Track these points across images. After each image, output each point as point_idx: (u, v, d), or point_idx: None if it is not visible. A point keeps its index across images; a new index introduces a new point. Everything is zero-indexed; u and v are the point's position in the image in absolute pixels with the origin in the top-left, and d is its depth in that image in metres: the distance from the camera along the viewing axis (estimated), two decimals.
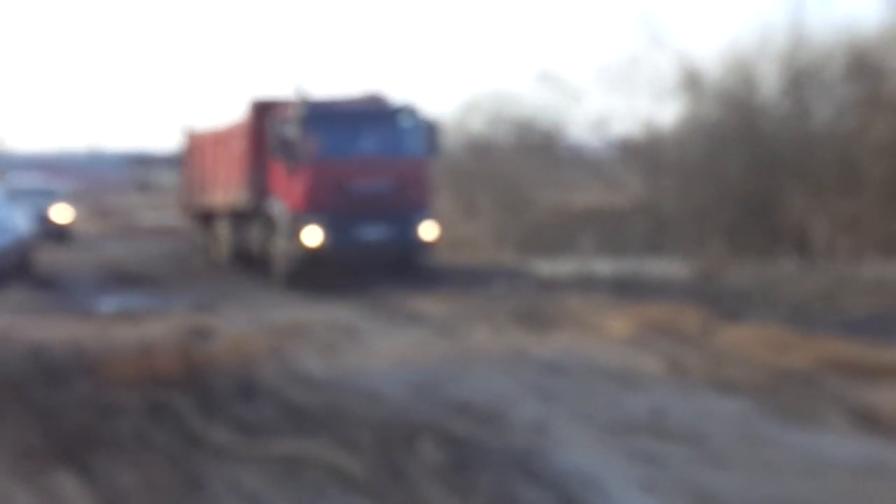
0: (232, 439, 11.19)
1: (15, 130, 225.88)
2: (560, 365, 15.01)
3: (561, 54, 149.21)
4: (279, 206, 25.42)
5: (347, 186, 24.63)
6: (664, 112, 44.22)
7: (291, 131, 24.78)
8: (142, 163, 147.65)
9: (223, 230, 30.14)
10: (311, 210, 24.40)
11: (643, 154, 44.83)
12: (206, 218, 32.08)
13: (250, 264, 27.89)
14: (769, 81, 40.32)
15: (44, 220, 37.61)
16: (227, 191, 29.12)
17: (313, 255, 24.49)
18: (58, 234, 37.74)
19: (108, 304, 23.30)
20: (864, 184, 35.92)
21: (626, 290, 23.95)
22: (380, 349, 16.34)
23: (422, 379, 14.17)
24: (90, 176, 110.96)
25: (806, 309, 20.54)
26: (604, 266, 31.02)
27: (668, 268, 31.32)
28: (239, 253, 28.88)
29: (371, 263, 25.25)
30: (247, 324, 18.55)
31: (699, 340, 16.66)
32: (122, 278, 27.97)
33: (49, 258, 31.60)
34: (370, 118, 26.27)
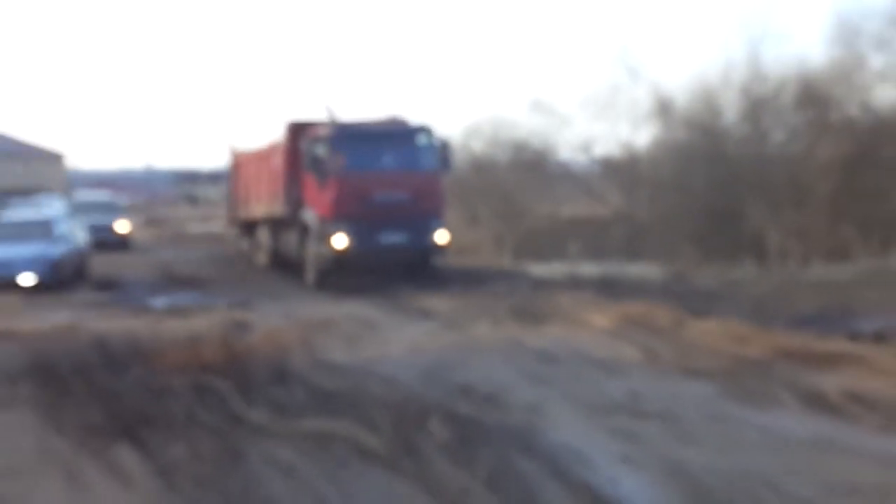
0: (268, 418, 11.16)
1: (80, 150, 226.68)
2: (551, 354, 14.93)
3: (551, 85, 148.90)
4: (311, 215, 25.18)
5: (370, 197, 24.34)
6: (640, 135, 44.25)
7: (322, 149, 24.60)
8: (189, 179, 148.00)
9: (263, 237, 29.89)
10: (339, 218, 24.13)
11: (622, 171, 44.78)
12: (249, 227, 31.75)
13: (287, 267, 27.61)
14: (730, 108, 40.29)
15: (109, 231, 37.55)
16: (266, 202, 28.97)
17: (340, 257, 24.26)
18: (120, 243, 37.69)
19: (160, 301, 23.23)
20: (812, 198, 35.89)
21: (608, 289, 23.88)
22: (395, 340, 16.27)
23: (431, 366, 14.10)
24: (145, 191, 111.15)
25: (763, 306, 20.45)
26: (589, 268, 30.92)
27: (644, 270, 31.21)
28: (277, 257, 28.57)
29: (391, 265, 25.04)
30: (280, 318, 18.47)
31: (671, 333, 16.59)
32: (173, 279, 27.87)
33: (110, 262, 31.59)
34: (391, 138, 26.01)
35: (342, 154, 24.52)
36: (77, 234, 29.02)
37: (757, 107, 39.29)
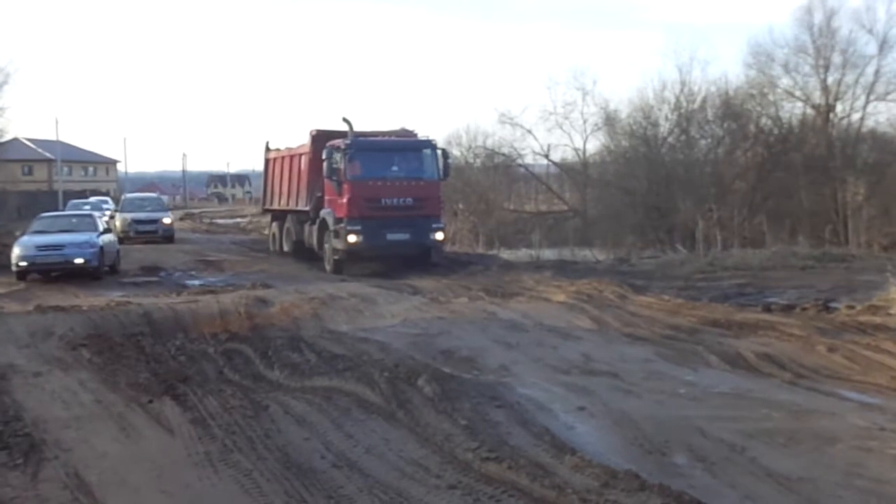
0: (284, 377, 11.13)
1: (127, 155, 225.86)
2: (518, 323, 14.87)
3: (517, 98, 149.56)
4: (329, 213, 24.78)
5: (380, 201, 23.92)
6: (590, 143, 44.30)
7: (339, 159, 24.11)
8: (218, 180, 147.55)
9: (290, 228, 29.21)
10: (352, 218, 23.78)
11: (575, 173, 44.85)
12: (279, 216, 30.84)
13: (303, 253, 27.23)
14: (665, 120, 40.43)
15: (159, 223, 37.05)
16: (293, 198, 28.45)
17: (353, 251, 23.89)
18: (167, 235, 37.04)
19: (194, 281, 23.15)
20: (732, 195, 36.06)
21: (564, 270, 23.89)
22: (389, 313, 16.17)
23: (419, 334, 14.04)
24: (181, 189, 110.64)
25: (691, 284, 20.51)
26: (548, 254, 31.01)
27: (594, 255, 31.26)
28: (300, 246, 27.95)
29: (396, 258, 24.53)
30: (294, 295, 18.36)
31: (616, 306, 16.56)
32: (205, 263, 27.70)
33: (152, 249, 31.37)
34: (399, 149, 25.61)
35: (356, 163, 24.16)
36: (113, 228, 29.48)
37: (686, 119, 39.42)
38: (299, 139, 28.61)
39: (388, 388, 9.90)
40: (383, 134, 26.81)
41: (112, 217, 36.31)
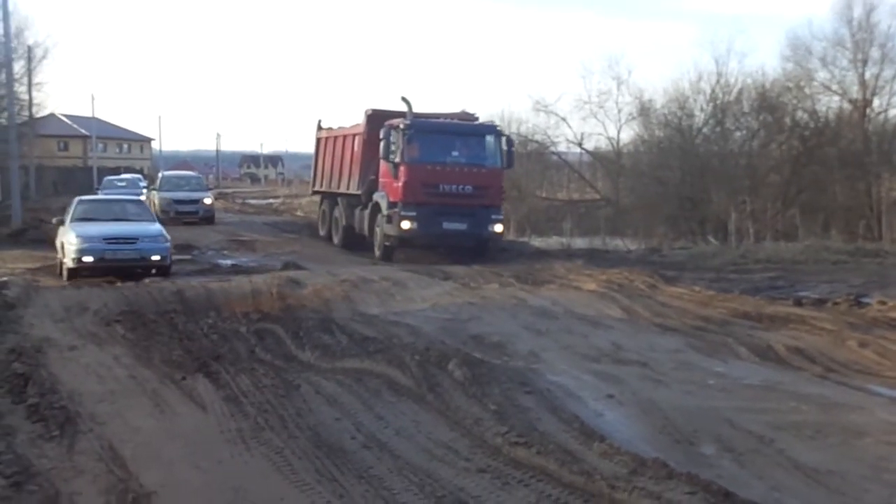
0: (315, 357, 11.22)
1: (161, 133, 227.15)
2: (548, 310, 14.88)
3: (552, 87, 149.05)
4: (383, 197, 23.62)
5: (437, 187, 22.76)
6: (624, 132, 44.14)
7: (396, 139, 23.04)
8: (251, 160, 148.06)
9: (339, 215, 27.65)
10: (407, 203, 22.67)
11: (609, 162, 44.71)
12: (329, 198, 29.29)
13: (358, 242, 25.77)
14: (700, 111, 40.20)
15: (199, 203, 35.68)
16: (344, 181, 27.08)
17: (406, 238, 22.92)
18: (208, 215, 36.41)
19: (227, 261, 23.27)
20: (765, 188, 35.85)
21: (595, 259, 23.89)
22: (420, 297, 16.20)
23: (449, 318, 14.10)
24: (214, 169, 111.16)
25: (723, 275, 20.46)
26: (579, 242, 30.95)
27: (625, 245, 31.20)
28: (350, 232, 26.59)
29: (451, 248, 23.55)
30: (326, 277, 18.44)
31: (647, 296, 16.54)
32: (237, 243, 27.88)
33: (186, 228, 31.46)
34: (461, 133, 24.38)
35: (415, 145, 23.11)
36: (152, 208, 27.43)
37: (721, 111, 39.18)
38: (338, 120, 27.85)
39: (418, 371, 9.97)
40: (443, 116, 25.66)
41: (148, 197, 36.04)
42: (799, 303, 16.03)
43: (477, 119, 26.02)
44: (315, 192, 31.59)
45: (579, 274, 19.58)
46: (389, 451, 7.56)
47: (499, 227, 23.81)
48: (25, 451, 7.59)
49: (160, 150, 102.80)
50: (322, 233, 29.68)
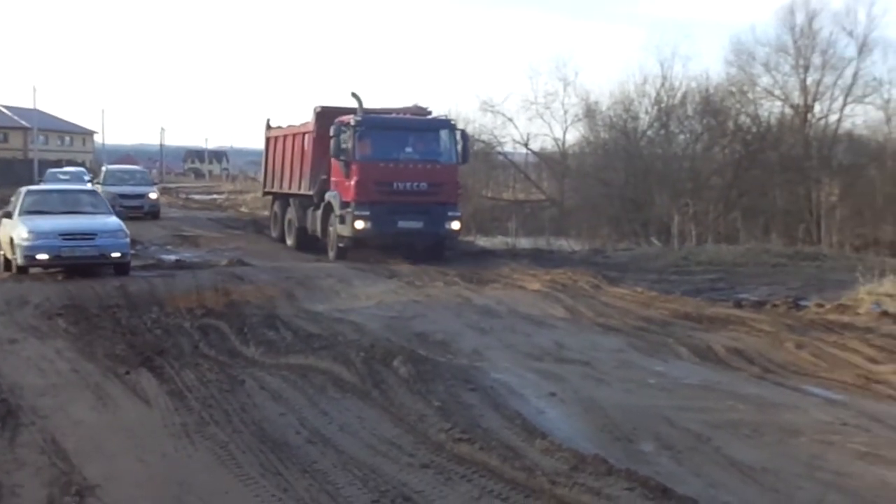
0: (260, 353, 11.25)
1: (103, 127, 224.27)
2: (492, 310, 15.03)
3: (498, 87, 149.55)
4: (335, 196, 22.72)
5: (391, 184, 21.96)
6: (570, 133, 44.41)
7: (347, 137, 22.10)
8: (196, 155, 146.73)
9: (292, 217, 26.36)
10: (360, 202, 21.79)
11: (554, 163, 44.97)
12: (280, 199, 28.01)
13: (312, 244, 24.55)
14: (645, 114, 40.65)
15: (145, 199, 35.20)
16: (295, 181, 25.96)
17: (360, 238, 21.97)
18: (153, 210, 35.85)
19: (170, 256, 23.07)
20: (708, 191, 36.36)
21: (539, 259, 24.04)
22: (365, 295, 16.26)
23: (394, 316, 14.19)
24: (158, 163, 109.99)
25: (664, 277, 20.73)
26: (524, 242, 31.10)
27: (569, 245, 31.43)
28: (303, 234, 25.36)
29: (408, 247, 22.45)
30: (271, 273, 18.44)
31: (590, 296, 16.73)
32: (181, 238, 27.72)
33: (129, 224, 31.08)
34: (414, 128, 23.55)
35: (366, 142, 22.24)
36: None
37: (666, 114, 39.66)
38: (287, 118, 27.38)
39: (363, 368, 10.05)
40: (395, 111, 24.76)
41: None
42: (739, 305, 16.29)
43: (430, 113, 25.24)
44: (266, 193, 30.35)
45: (523, 274, 19.73)
46: (334, 447, 7.63)
47: (456, 225, 22.96)
48: None
49: (103, 144, 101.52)
50: (274, 234, 28.44)
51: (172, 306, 14.55)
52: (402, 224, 22.08)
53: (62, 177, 44.72)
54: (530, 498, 6.45)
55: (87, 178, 45.77)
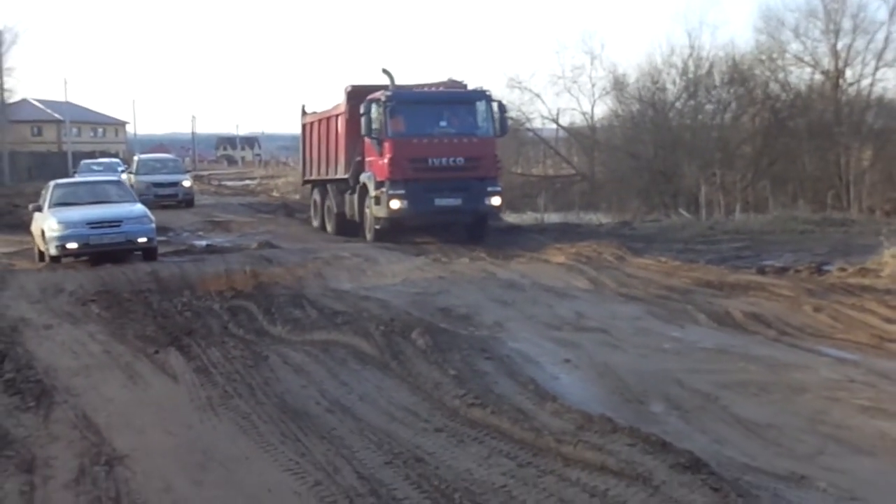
0: (285, 331, 11.59)
1: (136, 117, 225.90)
2: (516, 283, 15.27)
3: (526, 63, 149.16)
4: (370, 177, 22.08)
5: (426, 161, 21.24)
6: (598, 107, 44.45)
7: (377, 113, 21.40)
8: (227, 142, 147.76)
9: (331, 203, 25.48)
10: (395, 180, 21.12)
11: (583, 138, 45.07)
12: (319, 186, 27.19)
13: (352, 230, 23.67)
14: (673, 85, 40.62)
15: (179, 186, 35.51)
16: (331, 166, 25.26)
17: (396, 218, 21.34)
18: (187, 198, 35.63)
19: (202, 241, 23.50)
20: (737, 160, 36.34)
21: (567, 233, 24.21)
22: (391, 272, 16.58)
23: (418, 292, 14.48)
24: (190, 151, 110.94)
25: (690, 247, 20.86)
26: (554, 217, 31.31)
27: (598, 219, 31.57)
28: (342, 219, 24.57)
29: (446, 226, 22.13)
30: (299, 255, 18.78)
31: (614, 267, 16.91)
32: (213, 224, 28.18)
33: (162, 210, 31.54)
34: (448, 102, 22.83)
35: (399, 118, 21.59)
36: None
37: (694, 84, 39.60)
38: (321, 103, 26.77)
39: (383, 341, 10.36)
40: (429, 87, 23.97)
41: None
42: (762, 271, 16.42)
43: (465, 87, 23.98)
44: (306, 182, 29.61)
45: (549, 247, 19.95)
46: (352, 415, 7.97)
47: (496, 200, 22.11)
48: (2, 421, 7.99)
49: (135, 134, 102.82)
50: (315, 223, 27.50)
51: (202, 289, 14.92)
52: (439, 202, 21.35)
53: (96, 168, 45.37)
54: (537, 456, 6.74)
55: (120, 168, 46.39)
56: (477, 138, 22.05)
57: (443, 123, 22.12)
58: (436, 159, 21.40)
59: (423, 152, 21.38)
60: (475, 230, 22.47)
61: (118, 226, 18.64)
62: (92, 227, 18.37)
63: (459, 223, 22.36)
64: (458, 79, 24.22)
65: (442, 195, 21.32)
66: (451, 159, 21.48)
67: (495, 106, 22.48)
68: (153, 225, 19.35)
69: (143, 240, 18.78)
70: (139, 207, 19.70)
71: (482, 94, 22.68)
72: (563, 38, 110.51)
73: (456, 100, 23.04)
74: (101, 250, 18.35)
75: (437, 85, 24.08)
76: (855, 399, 8.17)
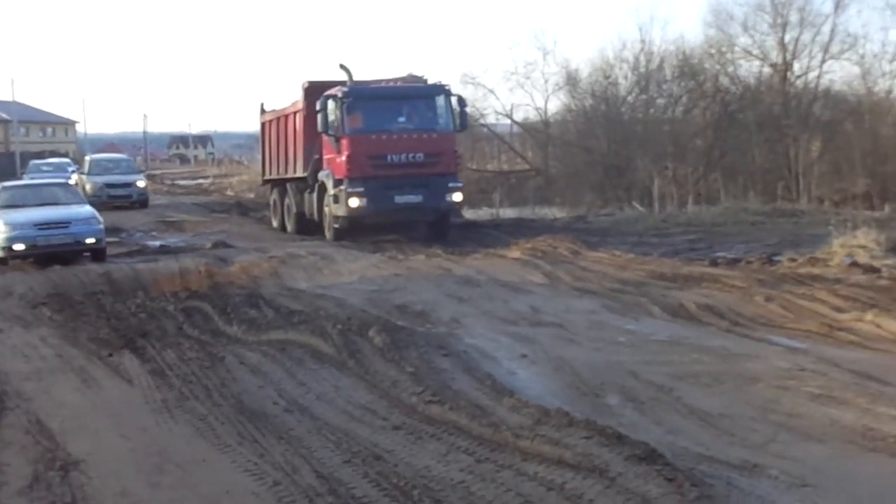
0: (241, 331, 11.53)
1: (85, 116, 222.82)
2: (472, 279, 15.29)
3: (480, 59, 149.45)
4: (328, 175, 21.75)
5: (385, 157, 20.91)
6: (551, 102, 44.57)
7: (335, 109, 21.04)
8: (180, 141, 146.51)
9: (290, 202, 25.17)
10: (353, 177, 20.78)
11: (537, 133, 45.19)
12: (278, 186, 26.65)
13: (313, 229, 23.40)
14: (624, 80, 40.88)
15: (133, 186, 34.72)
16: (290, 165, 24.89)
17: (356, 216, 20.99)
18: (142, 198, 34.87)
19: (155, 241, 23.31)
20: (688, 153, 36.67)
21: (522, 228, 24.30)
22: (347, 270, 16.54)
23: (375, 289, 14.46)
24: (142, 151, 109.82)
25: (644, 240, 21.05)
26: (509, 213, 31.42)
27: (553, 214, 31.70)
28: (301, 219, 24.24)
29: (407, 223, 21.79)
30: (254, 254, 18.68)
31: (569, 261, 17.00)
32: (166, 224, 27.97)
33: (115, 210, 31.20)
34: (407, 97, 22.39)
35: (357, 114, 21.16)
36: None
37: (645, 78, 39.89)
38: (275, 100, 26.21)
39: (340, 340, 10.35)
40: (388, 82, 23.46)
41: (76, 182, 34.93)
42: (714, 263, 16.61)
43: (426, 83, 23.44)
44: (265, 182, 29.02)
45: (505, 243, 20.01)
46: (310, 414, 7.97)
47: (458, 196, 21.83)
48: None
49: (85, 133, 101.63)
50: (275, 224, 27.00)
51: (156, 290, 14.83)
52: (399, 199, 21.11)
53: (45, 168, 44.62)
54: (495, 451, 6.78)
55: (71, 168, 45.69)
56: (437, 134, 21.73)
57: (401, 119, 21.84)
58: (395, 156, 21.08)
59: (382, 149, 21.06)
60: (437, 227, 22.24)
61: (66, 227, 18.65)
62: (39, 229, 18.39)
63: (421, 221, 22.14)
64: (418, 74, 23.99)
65: (402, 192, 21.06)
66: (411, 155, 21.17)
67: (455, 100, 22.23)
68: (101, 226, 19.27)
69: (91, 240, 18.76)
70: (87, 209, 19.69)
71: (441, 89, 22.39)
72: (516, 33, 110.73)
73: (415, 95, 22.63)
74: (49, 251, 18.24)
75: (397, 80, 23.70)
76: (805, 387, 8.29)
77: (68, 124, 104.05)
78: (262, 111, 28.31)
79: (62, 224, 18.67)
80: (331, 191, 21.57)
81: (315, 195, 22.89)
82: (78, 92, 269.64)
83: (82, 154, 63.74)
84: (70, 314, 13.03)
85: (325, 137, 21.88)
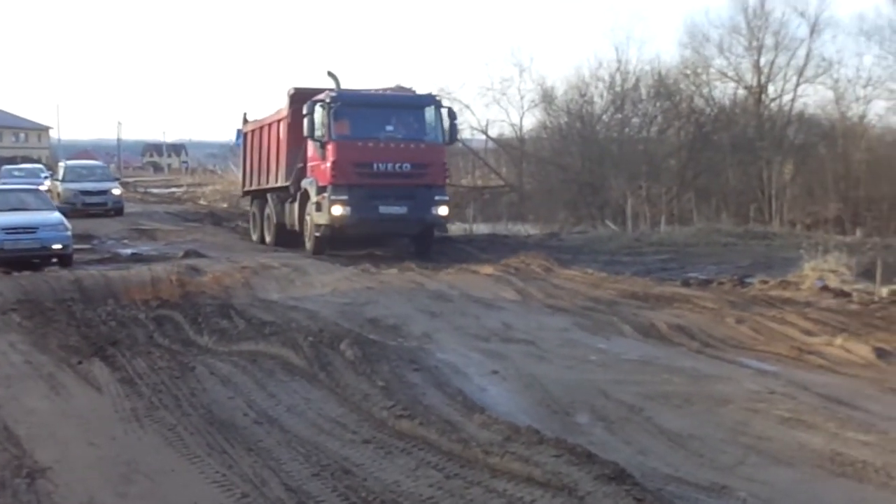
0: (212, 342, 11.49)
1: (60, 122, 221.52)
2: (444, 294, 15.32)
3: (454, 76, 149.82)
4: (312, 182, 21.36)
5: (371, 165, 20.41)
6: (527, 119, 44.70)
7: (322, 114, 20.66)
8: (154, 149, 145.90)
9: (270, 213, 24.76)
10: (338, 184, 20.32)
11: (512, 149, 45.30)
12: (258, 198, 26.35)
13: (292, 241, 23.07)
14: (600, 98, 41.11)
15: (108, 194, 34.37)
16: (272, 174, 24.50)
17: (338, 226, 20.54)
18: (117, 206, 34.42)
19: (127, 250, 23.21)
20: (662, 173, 36.89)
21: (495, 245, 24.38)
22: (320, 282, 16.52)
23: (347, 302, 14.44)
24: (115, 158, 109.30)
25: (616, 259, 21.15)
26: (483, 228, 31.45)
27: (526, 230, 31.78)
28: (282, 230, 23.84)
29: (390, 236, 21.69)
30: (226, 264, 18.59)
31: (541, 278, 17.08)
32: (138, 232, 27.83)
33: (87, 218, 31.02)
34: (395, 105, 22.13)
35: (344, 121, 20.77)
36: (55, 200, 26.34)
37: (621, 97, 40.12)
38: (252, 111, 26.12)
39: (311, 352, 10.32)
40: (375, 91, 23.20)
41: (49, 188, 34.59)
42: (686, 283, 16.72)
43: (414, 93, 23.40)
44: (246, 194, 28.47)
45: (478, 258, 20.05)
46: (279, 426, 7.93)
47: (444, 210, 21.31)
48: None
49: (59, 139, 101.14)
50: (254, 237, 26.56)
51: (127, 298, 14.77)
52: (383, 209, 20.60)
53: (17, 174, 44.22)
54: (465, 467, 6.78)
55: (44, 174, 45.31)
56: (425, 144, 21.34)
57: (389, 128, 21.41)
58: (381, 164, 20.61)
59: (369, 157, 20.59)
60: (421, 242, 21.91)
61: (33, 232, 18.96)
62: (7, 233, 18.72)
63: (404, 233, 21.85)
64: (406, 86, 23.94)
65: (387, 202, 20.61)
66: (398, 165, 20.73)
67: (445, 112, 21.85)
68: (69, 232, 19.48)
69: (58, 246, 19.05)
70: (56, 215, 19.94)
71: (431, 99, 22.16)
72: (493, 50, 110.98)
73: (404, 104, 22.37)
74: (16, 256, 18.43)
75: (384, 90, 23.46)
76: (775, 410, 8.35)
77: (42, 130, 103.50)
78: (245, 121, 27.97)
79: (30, 229, 18.96)
80: (314, 198, 21.13)
81: (297, 204, 22.41)
82: (52, 97, 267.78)
83: (55, 160, 63.34)
84: (40, 321, 12.91)
85: (310, 144, 21.46)
